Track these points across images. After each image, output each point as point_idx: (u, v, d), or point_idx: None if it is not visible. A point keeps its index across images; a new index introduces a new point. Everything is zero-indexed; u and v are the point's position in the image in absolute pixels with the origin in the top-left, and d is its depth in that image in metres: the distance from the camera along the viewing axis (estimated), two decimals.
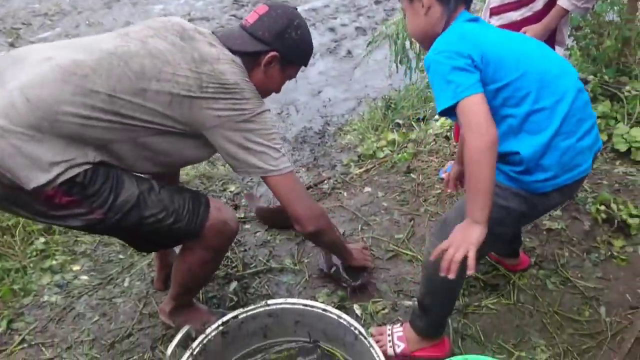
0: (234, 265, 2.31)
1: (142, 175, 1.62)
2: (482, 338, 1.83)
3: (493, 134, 1.25)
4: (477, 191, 1.28)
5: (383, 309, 1.99)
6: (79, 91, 1.35)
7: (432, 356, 1.75)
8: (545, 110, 1.35)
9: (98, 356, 1.93)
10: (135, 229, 1.50)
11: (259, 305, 1.65)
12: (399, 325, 1.82)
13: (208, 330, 1.57)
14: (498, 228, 1.40)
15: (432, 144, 3.15)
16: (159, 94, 1.40)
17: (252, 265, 2.31)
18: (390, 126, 3.54)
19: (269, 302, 1.65)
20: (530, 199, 1.42)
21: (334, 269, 2.12)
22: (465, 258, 1.26)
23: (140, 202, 1.47)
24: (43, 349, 1.99)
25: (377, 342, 1.71)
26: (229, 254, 2.38)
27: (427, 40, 1.50)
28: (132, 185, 1.47)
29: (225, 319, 1.61)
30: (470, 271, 1.27)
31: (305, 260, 2.31)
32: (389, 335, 1.78)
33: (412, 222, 2.45)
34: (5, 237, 2.57)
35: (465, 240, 1.27)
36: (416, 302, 1.71)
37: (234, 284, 2.17)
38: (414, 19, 1.52)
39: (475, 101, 1.28)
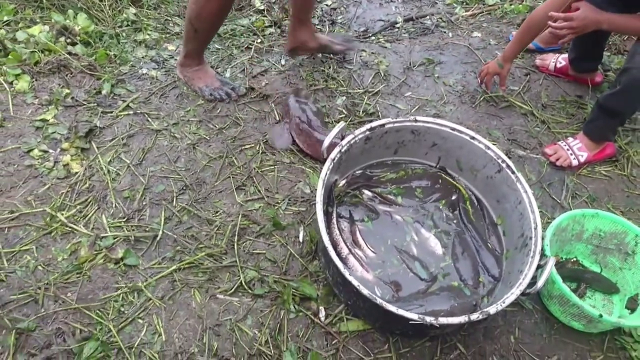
0: (339, 79, 2.21)
1: None
2: (593, 199, 1.85)
3: None
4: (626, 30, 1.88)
5: None
6: None
7: (605, 156, 1.98)
8: None
9: (207, 138, 1.89)
10: None
11: (408, 119, 1.58)
12: (572, 139, 1.97)
13: (357, 132, 1.53)
14: None
15: None
16: None
17: (358, 85, 2.21)
18: None
19: (418, 118, 1.59)
20: None
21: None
22: None
23: None
24: (149, 119, 1.94)
25: (556, 159, 1.92)
26: (335, 66, 2.26)
27: None
28: None
29: (373, 125, 1.55)
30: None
31: (413, 86, 2.21)
32: (567, 149, 1.94)
33: (527, 77, 2.33)
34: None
35: (583, 26, 1.69)
36: (596, 110, 1.88)
37: (342, 99, 2.09)
38: None
39: None
